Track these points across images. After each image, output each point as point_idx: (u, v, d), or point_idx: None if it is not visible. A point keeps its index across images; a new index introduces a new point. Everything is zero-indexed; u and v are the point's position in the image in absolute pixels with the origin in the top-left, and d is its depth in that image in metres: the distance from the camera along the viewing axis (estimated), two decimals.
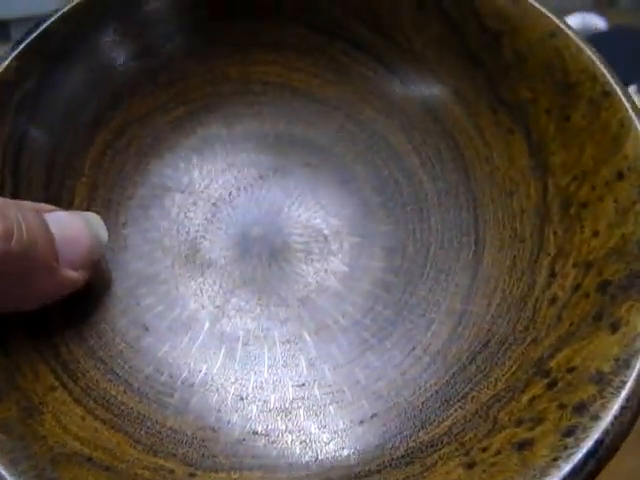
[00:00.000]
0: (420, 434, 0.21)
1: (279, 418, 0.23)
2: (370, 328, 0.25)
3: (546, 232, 0.24)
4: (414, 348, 0.24)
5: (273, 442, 0.22)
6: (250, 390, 0.23)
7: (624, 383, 0.19)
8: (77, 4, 0.26)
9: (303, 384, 0.24)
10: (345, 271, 0.26)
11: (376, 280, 0.25)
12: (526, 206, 0.24)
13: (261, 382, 0.24)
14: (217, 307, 0.25)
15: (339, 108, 0.28)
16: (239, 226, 0.27)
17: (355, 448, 0.22)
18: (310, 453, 0.22)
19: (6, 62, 0.25)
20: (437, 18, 0.26)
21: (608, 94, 0.23)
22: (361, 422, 0.22)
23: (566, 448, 0.18)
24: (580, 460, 0.18)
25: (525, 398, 0.20)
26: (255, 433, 0.22)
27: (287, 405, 0.23)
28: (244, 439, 0.22)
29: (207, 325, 0.25)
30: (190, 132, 0.28)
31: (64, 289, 0.23)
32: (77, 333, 0.24)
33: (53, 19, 0.26)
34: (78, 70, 0.26)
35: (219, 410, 0.23)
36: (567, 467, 0.18)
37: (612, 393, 0.19)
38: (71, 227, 0.23)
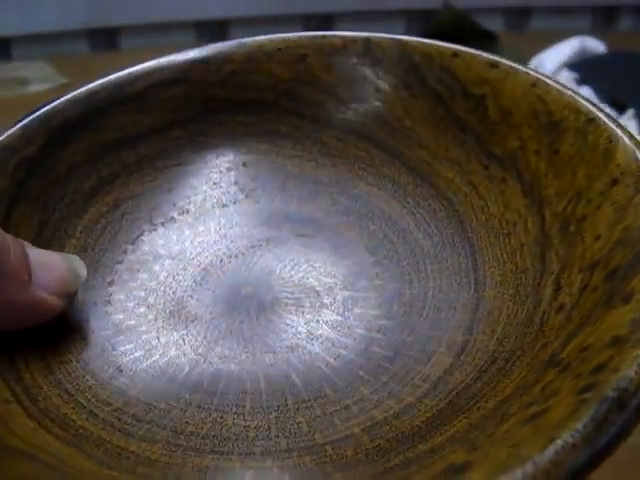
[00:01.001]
0: (419, 446, 0.18)
1: (257, 450, 0.20)
2: (365, 366, 0.22)
3: (547, 256, 0.22)
4: (413, 378, 0.21)
5: (249, 468, 0.19)
6: (230, 426, 0.21)
7: None
8: (82, 91, 0.28)
9: (288, 419, 0.21)
10: (338, 320, 0.24)
11: (371, 326, 0.24)
12: (525, 240, 0.23)
13: (241, 417, 0.21)
14: (199, 355, 0.23)
15: (333, 185, 0.28)
16: (228, 286, 0.25)
17: (344, 468, 0.19)
18: (287, 474, 0.19)
19: (10, 131, 0.26)
20: (423, 94, 0.28)
21: (592, 121, 0.23)
22: (354, 448, 0.19)
23: (585, 401, 0.15)
24: (602, 409, 0.15)
25: (537, 389, 0.18)
26: (229, 460, 0.19)
27: (269, 436, 0.20)
28: (217, 465, 0.19)
29: (187, 369, 0.23)
30: (184, 210, 0.28)
31: (37, 310, 0.21)
32: (45, 366, 0.22)
33: (59, 101, 0.28)
34: (79, 147, 0.28)
35: (190, 440, 0.20)
36: (586, 417, 0.15)
37: (632, 347, 0.16)
38: (47, 255, 0.23)
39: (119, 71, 0.29)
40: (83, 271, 0.23)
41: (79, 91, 0.28)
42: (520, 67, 0.26)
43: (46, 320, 0.22)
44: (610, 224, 0.21)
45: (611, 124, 0.23)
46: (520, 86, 0.25)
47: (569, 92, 0.24)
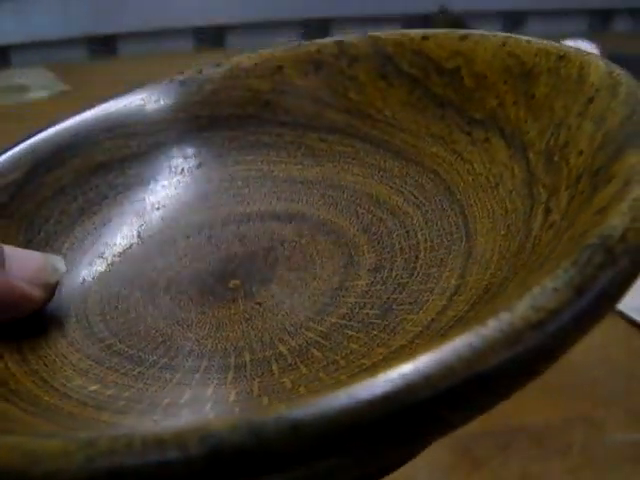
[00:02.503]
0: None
1: (237, 410, 0.18)
2: (355, 327, 0.21)
3: (535, 191, 0.21)
4: (404, 327, 0.20)
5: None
6: (210, 394, 0.19)
7: None
8: (71, 120, 0.29)
9: (272, 381, 0.19)
10: (327, 292, 0.23)
11: (363, 293, 0.22)
12: (513, 186, 0.22)
13: (222, 387, 0.19)
14: (184, 340, 0.22)
15: (320, 182, 0.28)
16: (216, 281, 0.25)
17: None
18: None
19: None
20: (400, 81, 0.28)
21: (563, 57, 0.23)
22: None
23: (566, 255, 0.14)
24: (586, 253, 0.13)
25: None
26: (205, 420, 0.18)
27: (251, 397, 0.19)
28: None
29: (169, 353, 0.21)
30: (175, 224, 0.28)
31: (12, 298, 0.21)
32: (21, 359, 0.21)
33: (49, 130, 0.28)
34: (65, 171, 0.28)
35: (167, 410, 0.19)
36: (567, 263, 0.13)
37: (615, 206, 0.15)
38: (23, 251, 0.23)
39: (104, 101, 0.30)
40: (62, 265, 0.23)
41: (68, 120, 0.29)
42: (489, 33, 0.26)
43: (25, 312, 0.21)
44: (591, 136, 0.20)
45: (582, 53, 0.22)
46: (490, 48, 0.25)
47: (538, 40, 0.24)
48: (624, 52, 0.68)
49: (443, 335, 0.18)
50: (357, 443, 0.11)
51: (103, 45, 0.91)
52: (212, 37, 0.95)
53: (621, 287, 0.13)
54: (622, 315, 0.52)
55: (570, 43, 0.69)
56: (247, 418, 0.11)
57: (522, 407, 0.42)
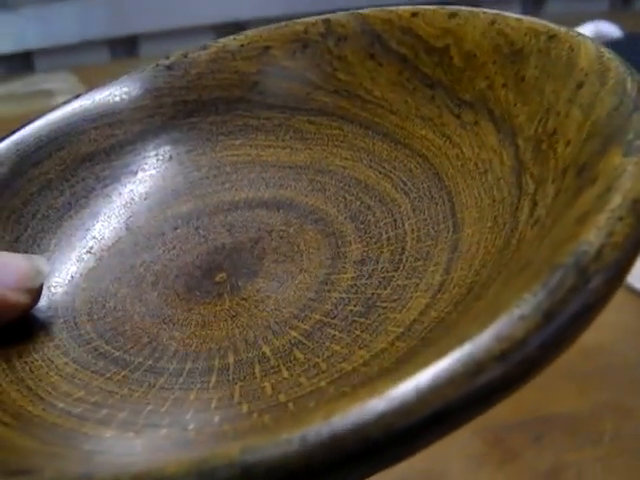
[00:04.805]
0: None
1: (217, 419, 0.18)
2: (338, 326, 0.20)
3: (523, 181, 0.20)
4: (386, 327, 0.19)
5: (203, 434, 0.17)
6: (192, 400, 0.19)
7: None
8: (55, 113, 0.28)
9: (253, 385, 0.19)
10: (312, 287, 0.22)
11: (348, 287, 0.22)
12: (502, 174, 0.22)
13: (205, 392, 0.19)
14: (169, 341, 0.22)
15: (308, 167, 0.27)
16: (203, 274, 0.24)
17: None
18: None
19: None
20: (389, 60, 0.27)
21: (553, 37, 0.22)
22: (316, 399, 0.17)
23: (537, 275, 0.13)
24: (557, 275, 0.13)
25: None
26: (185, 430, 0.18)
27: (231, 404, 0.18)
28: (169, 436, 0.17)
29: (154, 355, 0.21)
30: (163, 214, 0.27)
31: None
32: (8, 367, 0.21)
33: (34, 123, 0.28)
34: (52, 164, 0.27)
35: (148, 418, 0.18)
36: (536, 286, 0.13)
37: (594, 216, 0.14)
38: (5, 254, 0.22)
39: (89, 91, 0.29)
40: (46, 267, 0.22)
41: (53, 112, 0.28)
42: (479, 10, 0.25)
43: (10, 319, 0.21)
44: (579, 125, 0.19)
45: (572, 34, 0.21)
46: (480, 26, 0.24)
47: (528, 18, 0.23)
48: None
49: (423, 339, 0.18)
50: None
51: (124, 46, 0.90)
52: (233, 33, 0.95)
53: (594, 309, 0.13)
54: None
55: (591, 25, 0.66)
56: (200, 462, 0.11)
57: (551, 396, 0.41)
